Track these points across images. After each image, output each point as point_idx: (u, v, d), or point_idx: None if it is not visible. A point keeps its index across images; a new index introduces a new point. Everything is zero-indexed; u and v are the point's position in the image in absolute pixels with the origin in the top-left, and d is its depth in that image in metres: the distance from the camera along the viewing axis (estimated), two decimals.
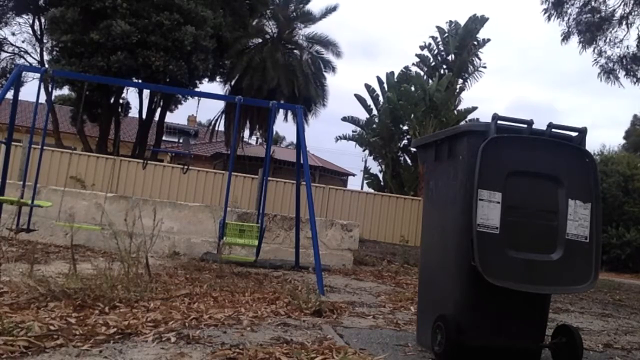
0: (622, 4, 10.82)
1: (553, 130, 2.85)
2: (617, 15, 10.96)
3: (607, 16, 11.03)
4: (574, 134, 2.91)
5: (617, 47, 11.30)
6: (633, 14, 10.84)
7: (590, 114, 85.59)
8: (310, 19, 20.36)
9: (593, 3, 11.06)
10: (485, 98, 59.45)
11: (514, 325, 2.82)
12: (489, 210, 2.61)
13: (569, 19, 11.24)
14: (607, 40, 11.20)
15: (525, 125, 2.82)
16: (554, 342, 2.91)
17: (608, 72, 11.41)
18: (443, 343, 2.71)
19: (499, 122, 2.76)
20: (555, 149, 2.82)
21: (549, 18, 11.26)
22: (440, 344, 2.75)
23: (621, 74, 11.40)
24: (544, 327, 2.93)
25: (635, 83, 11.41)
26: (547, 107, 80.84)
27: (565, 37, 11.35)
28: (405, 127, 21.47)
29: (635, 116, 29.48)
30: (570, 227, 2.72)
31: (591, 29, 11.01)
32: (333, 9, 20.41)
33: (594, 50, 11.33)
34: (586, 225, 2.74)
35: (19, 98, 6.28)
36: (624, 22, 10.94)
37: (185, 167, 7.72)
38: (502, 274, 2.59)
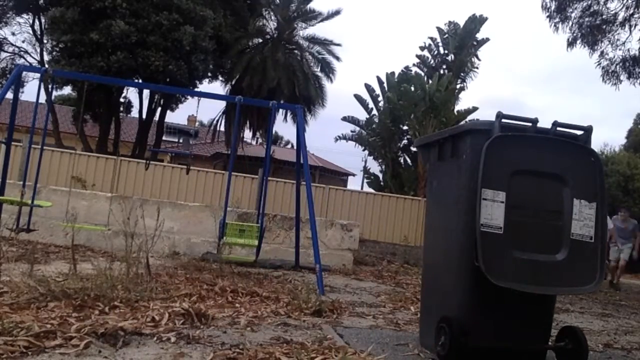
0: (624, 7, 10.84)
1: (558, 128, 2.81)
2: (620, 18, 10.96)
3: (609, 19, 11.03)
4: (579, 132, 2.88)
5: (619, 49, 11.31)
6: (635, 15, 10.84)
7: (565, 112, 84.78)
8: (313, 16, 20.26)
9: (595, 6, 11.05)
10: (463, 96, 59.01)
11: (518, 327, 2.79)
12: (493, 210, 2.57)
13: (572, 23, 11.24)
14: (610, 43, 11.22)
15: (530, 124, 2.78)
16: (559, 344, 2.88)
17: (610, 74, 11.42)
18: (447, 344, 2.68)
19: (502, 120, 2.73)
20: (561, 147, 2.79)
21: (555, 27, 11.26)
22: (443, 345, 2.72)
23: (624, 76, 11.41)
24: (549, 328, 2.90)
25: (635, 85, 11.41)
26: (516, 103, 79.23)
27: (572, 42, 11.34)
28: (405, 127, 21.44)
29: (638, 115, 29.28)
30: (575, 227, 2.69)
31: (594, 32, 11.00)
32: (336, 12, 20.40)
33: (595, 52, 11.35)
34: (591, 225, 2.70)
35: (19, 98, 6.26)
36: (627, 25, 10.95)
37: (187, 167, 7.70)
38: (506, 275, 2.55)
